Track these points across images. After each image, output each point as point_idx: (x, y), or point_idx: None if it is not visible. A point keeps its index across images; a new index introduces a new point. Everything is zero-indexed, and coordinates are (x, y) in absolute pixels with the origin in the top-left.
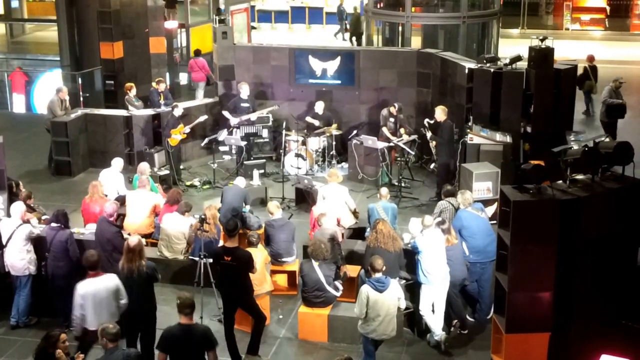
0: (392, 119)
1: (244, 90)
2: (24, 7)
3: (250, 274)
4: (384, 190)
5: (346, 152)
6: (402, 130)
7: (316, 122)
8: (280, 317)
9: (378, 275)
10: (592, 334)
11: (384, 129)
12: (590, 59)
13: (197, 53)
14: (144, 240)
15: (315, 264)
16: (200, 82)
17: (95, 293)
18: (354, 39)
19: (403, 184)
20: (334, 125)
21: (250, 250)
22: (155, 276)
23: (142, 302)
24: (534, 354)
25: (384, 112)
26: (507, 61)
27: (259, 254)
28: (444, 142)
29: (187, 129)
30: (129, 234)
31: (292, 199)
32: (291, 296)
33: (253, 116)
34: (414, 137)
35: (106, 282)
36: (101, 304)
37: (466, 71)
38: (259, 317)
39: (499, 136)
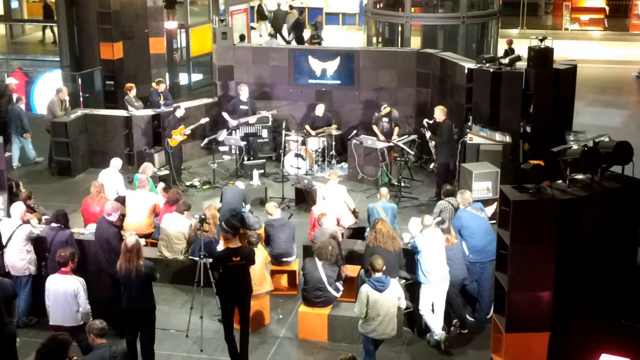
0: (385, 119)
1: (244, 93)
2: (23, 7)
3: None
4: (384, 190)
5: (346, 152)
6: (396, 130)
7: (312, 133)
8: (281, 316)
9: (378, 275)
10: (592, 334)
11: (374, 127)
12: (509, 42)
13: (242, 38)
14: (143, 241)
15: (319, 263)
16: None
17: (55, 290)
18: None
19: (403, 184)
20: (334, 126)
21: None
22: (153, 276)
23: (140, 302)
24: (533, 353)
25: (376, 113)
26: (507, 61)
27: (259, 254)
28: (443, 142)
29: (188, 131)
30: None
31: (292, 199)
32: (291, 296)
33: (251, 119)
34: (414, 137)
35: (67, 284)
36: (57, 302)
37: (466, 71)
38: (247, 322)
39: (498, 136)
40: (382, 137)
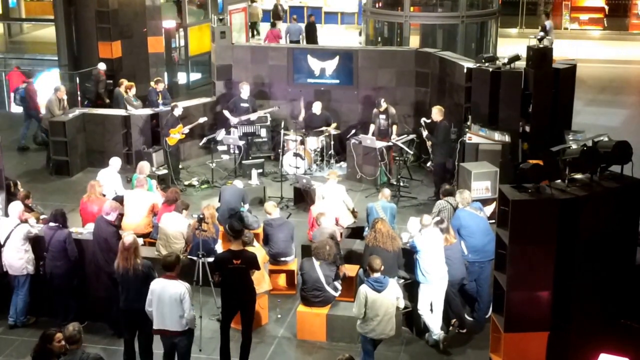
0: (382, 116)
1: (245, 91)
2: (22, 6)
3: None
4: (387, 191)
5: (345, 152)
6: (395, 127)
7: (300, 118)
8: (279, 316)
9: (376, 275)
10: (590, 333)
11: (371, 126)
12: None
13: (273, 24)
14: (141, 240)
15: (316, 263)
16: None
17: (160, 294)
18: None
19: (402, 184)
20: (333, 125)
21: (249, 249)
22: (151, 275)
23: (138, 301)
24: (532, 353)
25: (374, 110)
26: (506, 61)
27: (257, 253)
28: (438, 142)
29: (186, 130)
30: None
31: (290, 199)
32: (290, 295)
33: (253, 116)
34: (412, 136)
35: (172, 288)
36: (163, 306)
37: (465, 71)
38: (249, 334)
39: (497, 135)
40: (369, 138)
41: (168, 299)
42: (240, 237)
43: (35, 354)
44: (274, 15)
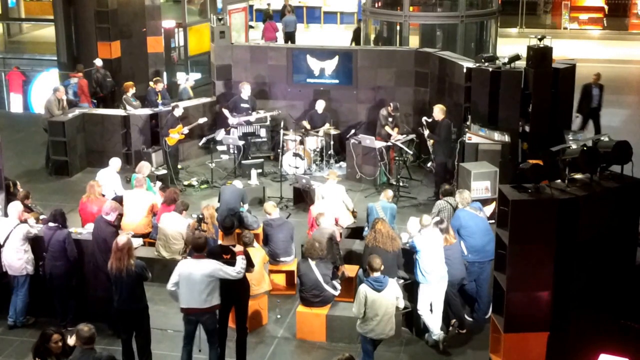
0: (390, 119)
1: (245, 91)
2: (21, 6)
3: (248, 274)
4: (390, 192)
5: (344, 152)
6: (395, 130)
7: (308, 126)
8: (279, 316)
9: (376, 274)
10: (590, 334)
11: (387, 128)
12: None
13: (271, 17)
14: (140, 240)
15: (312, 263)
16: (272, 41)
17: (191, 273)
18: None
19: (401, 184)
20: (327, 125)
21: (248, 249)
22: (144, 275)
23: (132, 302)
24: (532, 353)
25: (383, 112)
26: (506, 60)
27: (257, 254)
28: (440, 140)
29: (186, 130)
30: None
31: (290, 199)
32: (289, 296)
33: (252, 117)
34: (412, 136)
35: (203, 268)
36: (193, 285)
37: (464, 70)
38: (244, 327)
39: (497, 135)
40: (396, 136)
41: (200, 277)
42: (231, 233)
43: (35, 351)
44: (283, 15)
